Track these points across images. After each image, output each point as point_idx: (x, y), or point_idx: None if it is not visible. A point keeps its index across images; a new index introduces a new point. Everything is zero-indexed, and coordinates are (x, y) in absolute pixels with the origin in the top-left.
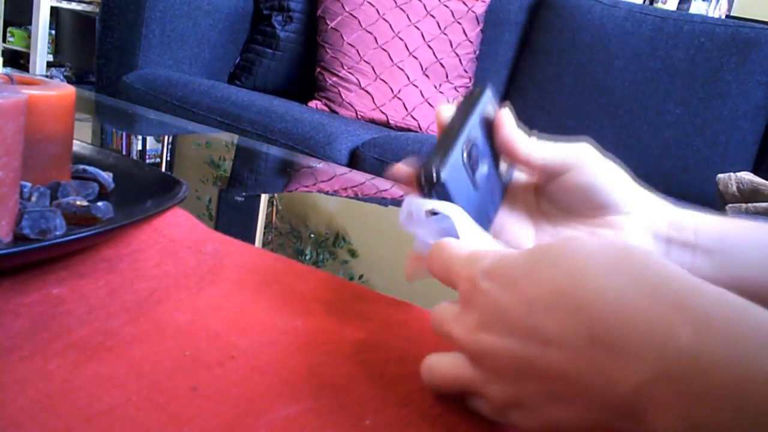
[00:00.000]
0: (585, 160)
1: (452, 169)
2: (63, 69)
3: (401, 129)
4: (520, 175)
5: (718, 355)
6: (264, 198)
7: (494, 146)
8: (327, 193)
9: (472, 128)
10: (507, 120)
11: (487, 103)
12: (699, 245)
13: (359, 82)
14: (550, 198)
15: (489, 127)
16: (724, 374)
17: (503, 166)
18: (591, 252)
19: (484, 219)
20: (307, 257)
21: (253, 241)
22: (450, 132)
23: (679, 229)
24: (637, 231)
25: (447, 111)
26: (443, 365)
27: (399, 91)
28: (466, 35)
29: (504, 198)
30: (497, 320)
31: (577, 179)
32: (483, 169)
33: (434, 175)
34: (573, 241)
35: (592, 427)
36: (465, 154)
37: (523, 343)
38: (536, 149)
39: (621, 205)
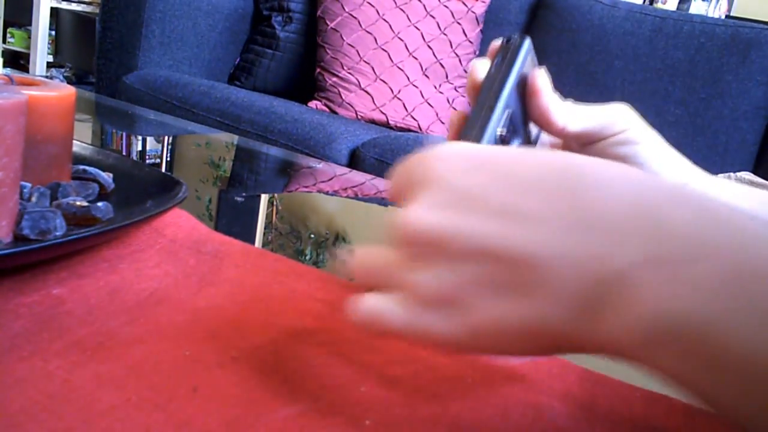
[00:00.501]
0: (624, 129)
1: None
2: (63, 69)
3: (401, 129)
4: (546, 137)
5: (720, 241)
6: (264, 198)
7: (526, 108)
8: (327, 193)
9: (510, 93)
10: (544, 87)
11: (526, 57)
12: None
13: (359, 82)
14: None
15: (524, 86)
16: (725, 262)
17: (533, 127)
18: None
19: None
20: (307, 257)
21: (253, 242)
22: (487, 97)
23: None
24: None
25: (482, 67)
26: (368, 252)
27: (399, 91)
28: (466, 35)
29: None
30: (455, 199)
31: (616, 150)
32: (516, 136)
33: None
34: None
35: (535, 330)
36: (502, 128)
37: (488, 220)
38: (573, 120)
39: None
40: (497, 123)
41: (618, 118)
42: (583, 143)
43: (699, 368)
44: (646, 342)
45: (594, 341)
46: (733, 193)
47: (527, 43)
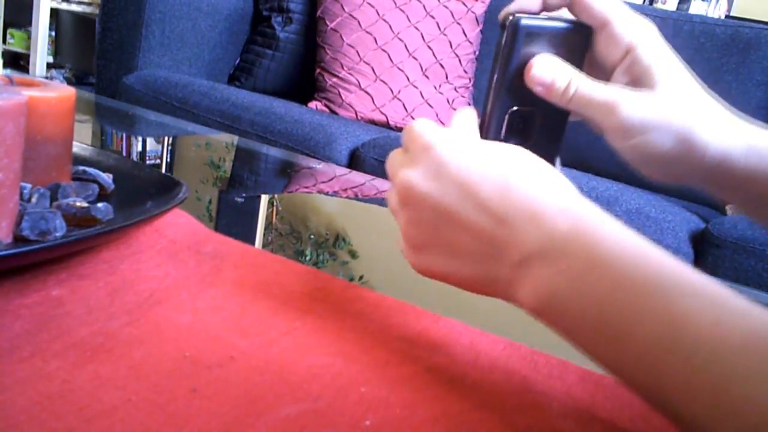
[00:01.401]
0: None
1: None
2: (63, 70)
3: (401, 130)
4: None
5: (584, 246)
6: (264, 199)
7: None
8: (327, 194)
9: (509, 86)
10: (536, 70)
11: (524, 37)
12: None
13: (359, 82)
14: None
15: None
16: (586, 260)
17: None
18: (525, 163)
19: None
20: (307, 258)
21: (253, 242)
22: (487, 105)
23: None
24: None
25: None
26: (390, 198)
27: (399, 91)
28: (465, 36)
29: None
30: (435, 172)
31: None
32: (534, 120)
33: None
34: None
35: (477, 289)
36: (506, 128)
37: (451, 192)
38: (573, 98)
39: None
40: (500, 130)
41: (609, 115)
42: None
43: (565, 329)
44: (537, 309)
45: (515, 301)
46: None
47: (522, 23)
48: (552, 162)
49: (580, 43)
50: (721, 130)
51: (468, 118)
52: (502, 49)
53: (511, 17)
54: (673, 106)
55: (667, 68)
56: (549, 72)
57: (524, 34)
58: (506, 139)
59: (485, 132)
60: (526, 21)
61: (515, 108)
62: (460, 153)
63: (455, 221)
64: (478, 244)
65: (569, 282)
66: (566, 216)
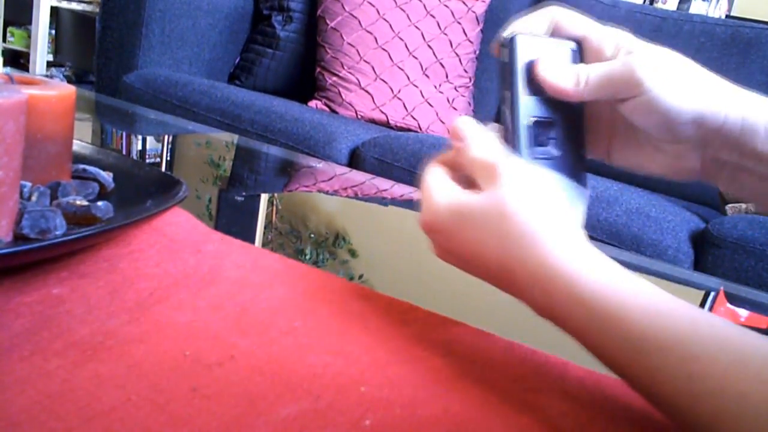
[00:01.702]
0: (638, 88)
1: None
2: (63, 69)
3: (401, 129)
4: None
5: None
6: (264, 198)
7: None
8: (327, 193)
9: (524, 99)
10: (543, 67)
11: (525, 50)
12: None
13: (359, 82)
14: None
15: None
16: (573, 291)
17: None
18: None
19: (579, 171)
20: (307, 257)
21: (253, 241)
22: (505, 119)
23: None
24: None
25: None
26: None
27: (399, 91)
28: (466, 35)
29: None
30: (449, 255)
31: (638, 107)
32: (555, 127)
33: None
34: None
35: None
36: (530, 140)
37: (462, 264)
38: (584, 87)
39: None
40: (525, 142)
41: (629, 76)
42: (611, 104)
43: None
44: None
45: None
46: None
47: (517, 38)
48: (580, 176)
49: (573, 54)
50: (739, 98)
51: (485, 133)
52: (508, 65)
53: (511, 35)
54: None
55: (653, 50)
56: (557, 72)
57: (525, 47)
58: (534, 153)
59: (511, 146)
60: (524, 36)
61: (534, 118)
62: (448, 244)
63: (464, 267)
64: (482, 275)
65: (566, 304)
66: (535, 286)
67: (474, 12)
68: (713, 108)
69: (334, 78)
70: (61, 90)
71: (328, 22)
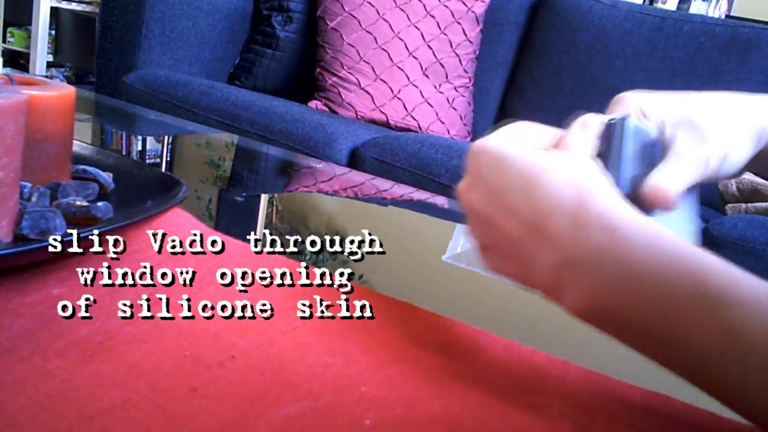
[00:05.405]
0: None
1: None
2: (63, 69)
3: (401, 129)
4: None
5: (620, 261)
6: (264, 198)
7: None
8: (327, 193)
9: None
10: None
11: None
12: None
13: (359, 82)
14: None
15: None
16: (622, 273)
17: None
18: (562, 166)
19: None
20: (307, 257)
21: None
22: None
23: None
24: None
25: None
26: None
27: (399, 91)
28: (465, 35)
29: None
30: (476, 181)
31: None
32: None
33: None
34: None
35: (531, 286)
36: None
37: (486, 201)
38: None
39: None
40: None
41: (702, 171)
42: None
43: (613, 335)
44: (582, 316)
45: (563, 307)
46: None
47: (627, 126)
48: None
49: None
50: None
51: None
52: (612, 145)
53: (621, 117)
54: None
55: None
56: (665, 185)
57: (630, 133)
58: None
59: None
60: (630, 121)
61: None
62: (492, 163)
63: (494, 228)
64: (513, 248)
65: (608, 293)
66: (602, 225)
67: (474, 12)
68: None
69: (334, 78)
70: (60, 90)
71: (328, 22)
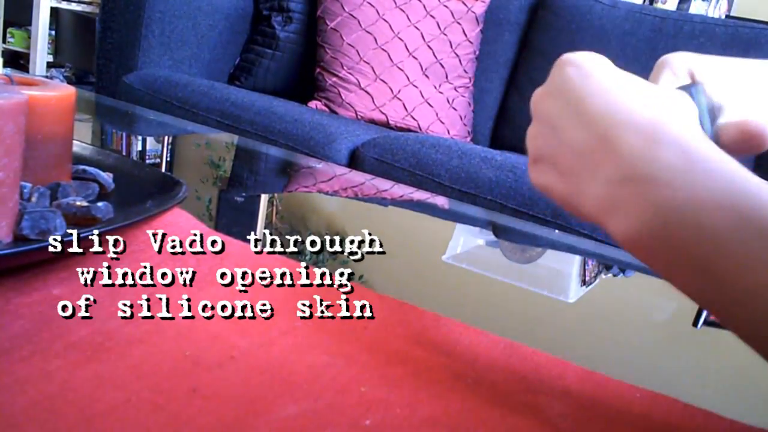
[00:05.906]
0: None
1: None
2: (63, 69)
3: (401, 129)
4: None
5: (692, 184)
6: (264, 198)
7: None
8: (327, 193)
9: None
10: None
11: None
12: None
13: (359, 82)
14: None
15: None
16: (681, 195)
17: None
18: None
19: None
20: (307, 257)
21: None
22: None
23: None
24: None
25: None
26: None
27: (399, 91)
28: (465, 35)
29: None
30: (556, 89)
31: None
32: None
33: None
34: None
35: (570, 208)
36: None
37: (560, 107)
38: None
39: None
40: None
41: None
42: None
43: (657, 265)
44: (627, 242)
45: (605, 227)
46: None
47: (700, 91)
48: None
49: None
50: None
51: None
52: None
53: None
54: None
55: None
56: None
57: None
58: None
59: None
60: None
61: None
62: (578, 73)
63: (560, 137)
64: (573, 160)
65: (670, 216)
66: (679, 145)
67: (474, 12)
68: None
69: (334, 78)
70: (61, 91)
71: (327, 22)
